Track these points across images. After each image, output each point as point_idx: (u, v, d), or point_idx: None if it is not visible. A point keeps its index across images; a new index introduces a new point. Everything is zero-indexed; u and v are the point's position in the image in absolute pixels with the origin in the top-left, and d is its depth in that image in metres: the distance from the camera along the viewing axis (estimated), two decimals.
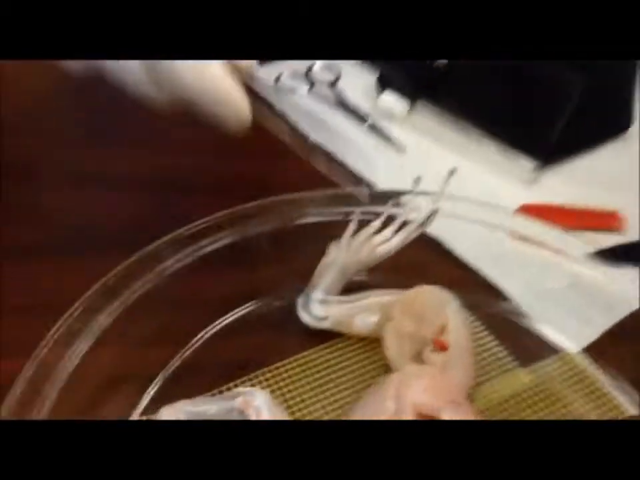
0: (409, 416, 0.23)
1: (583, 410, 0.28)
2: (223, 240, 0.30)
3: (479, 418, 0.24)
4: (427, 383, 0.24)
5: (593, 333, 0.31)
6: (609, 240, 0.35)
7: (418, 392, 0.24)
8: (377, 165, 0.40)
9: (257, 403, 0.25)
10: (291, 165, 0.38)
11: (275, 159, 0.38)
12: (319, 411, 0.27)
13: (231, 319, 0.30)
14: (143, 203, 0.37)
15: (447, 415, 0.23)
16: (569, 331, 0.31)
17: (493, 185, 0.41)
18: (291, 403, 0.27)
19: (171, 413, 0.25)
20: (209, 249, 0.30)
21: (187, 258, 0.30)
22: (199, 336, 0.29)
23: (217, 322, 0.30)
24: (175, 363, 0.28)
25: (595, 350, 0.30)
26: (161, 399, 0.26)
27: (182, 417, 0.25)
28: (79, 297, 0.26)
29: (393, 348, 0.27)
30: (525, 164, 0.41)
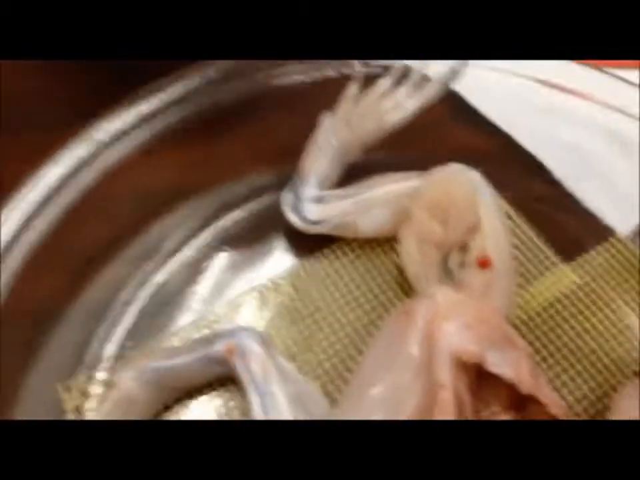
0: (444, 367, 0.18)
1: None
2: (176, 113, 0.22)
3: (528, 352, 0.19)
4: (470, 318, 0.18)
5: None
6: None
7: (458, 332, 0.18)
8: None
9: (242, 347, 0.19)
10: None
11: None
12: (320, 344, 0.21)
13: (196, 225, 0.23)
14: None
15: (494, 359, 0.18)
16: (617, 208, 0.25)
17: None
18: (283, 335, 0.21)
19: (133, 375, 0.19)
20: (160, 125, 0.22)
21: (138, 137, 0.22)
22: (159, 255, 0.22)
23: (188, 237, 0.23)
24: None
25: None
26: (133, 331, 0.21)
27: (149, 377, 0.19)
28: None
29: (414, 260, 0.21)
30: None
